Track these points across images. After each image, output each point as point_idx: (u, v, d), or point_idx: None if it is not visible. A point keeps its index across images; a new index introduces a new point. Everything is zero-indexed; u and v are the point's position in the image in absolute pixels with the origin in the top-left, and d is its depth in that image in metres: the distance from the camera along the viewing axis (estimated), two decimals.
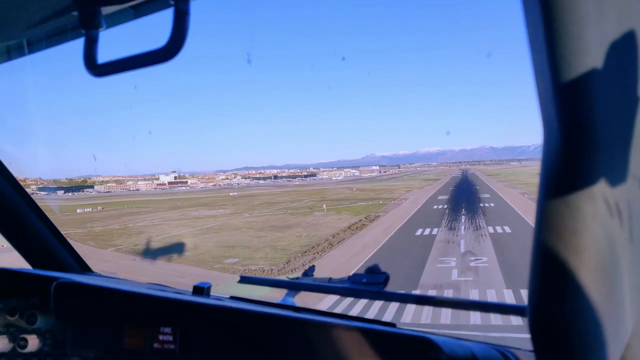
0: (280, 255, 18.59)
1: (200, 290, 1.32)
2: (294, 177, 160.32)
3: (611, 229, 0.46)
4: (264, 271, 16.06)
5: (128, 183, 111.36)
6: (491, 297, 11.30)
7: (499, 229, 20.48)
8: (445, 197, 42.08)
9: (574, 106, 0.43)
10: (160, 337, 1.09)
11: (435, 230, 21.94)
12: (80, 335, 1.18)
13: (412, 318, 8.68)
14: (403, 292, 1.30)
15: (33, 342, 1.28)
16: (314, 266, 1.48)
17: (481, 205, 32.43)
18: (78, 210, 44.10)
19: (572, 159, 0.44)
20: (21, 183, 1.48)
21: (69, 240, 1.62)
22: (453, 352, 0.83)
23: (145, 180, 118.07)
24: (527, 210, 24.72)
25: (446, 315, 8.75)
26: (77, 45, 0.71)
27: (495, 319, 7.94)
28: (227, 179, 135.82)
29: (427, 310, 8.99)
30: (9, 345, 1.30)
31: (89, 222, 33.44)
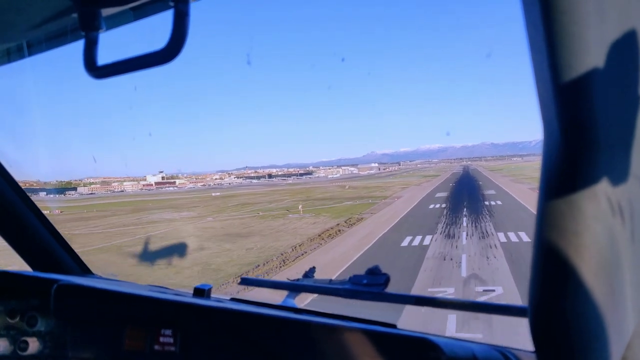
0: (207, 278, 13.20)
1: (201, 292, 1.31)
2: (289, 175, 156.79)
3: (613, 229, 0.46)
4: None
5: (113, 184, 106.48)
6: None
7: (512, 237, 15.07)
8: (444, 194, 36.62)
9: (574, 107, 0.42)
10: (161, 339, 1.09)
11: (427, 239, 16.53)
12: (80, 337, 1.18)
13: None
14: (404, 293, 1.24)
15: (34, 345, 1.29)
16: (314, 267, 1.45)
17: (486, 203, 26.99)
18: None
19: (573, 159, 0.44)
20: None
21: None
22: (453, 353, 0.83)
23: (132, 180, 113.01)
24: None
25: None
26: (77, 47, 0.71)
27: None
28: (221, 178, 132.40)
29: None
30: (9, 347, 1.31)
31: None
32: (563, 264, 0.45)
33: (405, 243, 15.95)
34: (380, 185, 59.80)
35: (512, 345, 0.96)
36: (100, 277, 1.60)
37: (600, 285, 0.45)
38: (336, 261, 13.80)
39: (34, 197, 1.53)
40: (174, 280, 12.87)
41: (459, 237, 16.58)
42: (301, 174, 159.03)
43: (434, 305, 1.17)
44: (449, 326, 7.96)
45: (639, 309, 0.52)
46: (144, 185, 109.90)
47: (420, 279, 11.36)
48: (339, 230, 20.93)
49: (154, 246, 20.98)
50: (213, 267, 14.94)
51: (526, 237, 14.61)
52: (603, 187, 0.44)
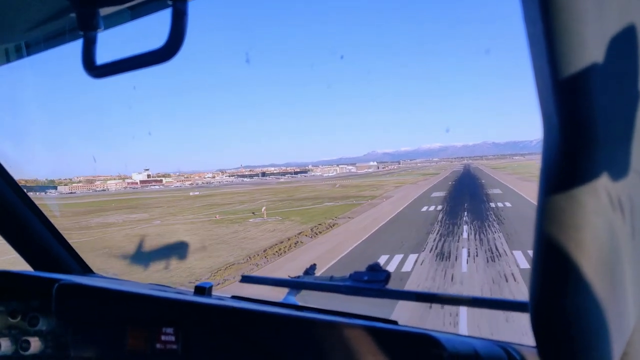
0: None
1: (202, 290, 1.30)
2: (284, 174, 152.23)
3: (613, 224, 0.46)
4: None
5: (96, 183, 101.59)
6: None
7: None
8: (442, 194, 31.30)
9: (573, 102, 0.43)
10: (163, 338, 1.08)
11: (410, 261, 11.27)
12: (82, 336, 1.17)
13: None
14: (404, 289, 1.28)
15: (35, 344, 1.29)
16: (315, 264, 1.44)
17: (492, 205, 21.71)
18: None
19: (573, 155, 0.44)
20: None
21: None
22: (455, 349, 0.82)
23: (117, 179, 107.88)
24: None
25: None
26: (75, 47, 0.72)
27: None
28: (213, 177, 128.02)
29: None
30: (11, 347, 1.31)
31: None
32: (564, 259, 0.45)
33: None
34: (373, 184, 54.80)
35: (514, 341, 0.96)
36: (101, 277, 1.60)
37: (601, 281, 0.45)
38: None
39: None
40: None
41: (456, 259, 11.28)
42: (296, 173, 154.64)
43: (435, 302, 1.16)
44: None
45: (639, 304, 0.51)
46: (128, 183, 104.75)
47: None
48: (297, 243, 15.66)
49: None
50: None
51: None
52: (603, 182, 0.44)
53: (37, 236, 1.51)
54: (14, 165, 1.44)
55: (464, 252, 11.79)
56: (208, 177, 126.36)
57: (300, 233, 17.77)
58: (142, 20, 0.86)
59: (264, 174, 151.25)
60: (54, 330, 1.29)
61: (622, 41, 0.42)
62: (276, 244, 15.63)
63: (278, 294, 1.35)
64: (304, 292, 1.34)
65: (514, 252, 11.26)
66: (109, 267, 13.12)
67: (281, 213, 25.76)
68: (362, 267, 1.22)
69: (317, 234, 17.43)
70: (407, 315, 6.47)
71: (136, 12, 0.83)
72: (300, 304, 1.24)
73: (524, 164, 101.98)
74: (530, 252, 0.48)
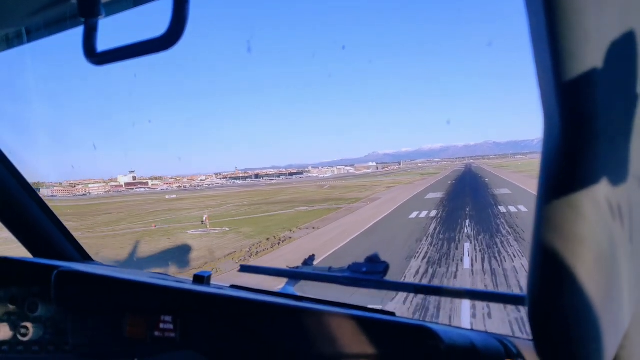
0: None
1: (201, 279, 1.29)
2: (278, 175, 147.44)
3: (611, 225, 0.46)
4: None
5: (78, 187, 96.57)
6: None
7: None
8: (438, 195, 25.96)
9: (576, 100, 0.42)
10: (161, 326, 1.09)
11: None
12: (81, 323, 1.17)
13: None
14: (402, 281, 1.27)
15: (34, 331, 1.29)
16: (313, 255, 1.43)
17: (502, 210, 16.39)
18: None
19: (573, 155, 0.44)
20: None
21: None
22: (452, 341, 0.82)
23: (100, 182, 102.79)
24: None
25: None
26: (76, 34, 0.71)
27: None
28: (203, 180, 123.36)
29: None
30: (10, 333, 1.31)
31: None
32: (561, 258, 0.45)
33: None
34: (365, 185, 49.67)
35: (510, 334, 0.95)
36: (100, 264, 1.60)
37: (597, 278, 0.46)
38: None
39: None
40: None
41: (451, 322, 5.98)
42: (291, 174, 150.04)
43: (433, 294, 1.16)
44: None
45: (635, 301, 0.52)
46: (112, 186, 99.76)
47: None
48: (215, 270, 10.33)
49: None
50: None
51: None
52: (603, 183, 0.44)
53: (36, 223, 1.49)
54: (13, 152, 1.42)
55: (465, 306, 6.43)
56: (199, 180, 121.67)
57: (229, 255, 12.47)
58: (144, 8, 0.86)
59: (257, 176, 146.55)
60: (53, 316, 1.30)
61: (626, 37, 0.41)
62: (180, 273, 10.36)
63: (277, 284, 1.35)
64: (302, 283, 1.33)
65: None
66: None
67: (234, 222, 20.49)
68: None
69: (253, 255, 12.13)
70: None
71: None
72: (298, 294, 1.21)
73: (527, 162, 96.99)
74: None
